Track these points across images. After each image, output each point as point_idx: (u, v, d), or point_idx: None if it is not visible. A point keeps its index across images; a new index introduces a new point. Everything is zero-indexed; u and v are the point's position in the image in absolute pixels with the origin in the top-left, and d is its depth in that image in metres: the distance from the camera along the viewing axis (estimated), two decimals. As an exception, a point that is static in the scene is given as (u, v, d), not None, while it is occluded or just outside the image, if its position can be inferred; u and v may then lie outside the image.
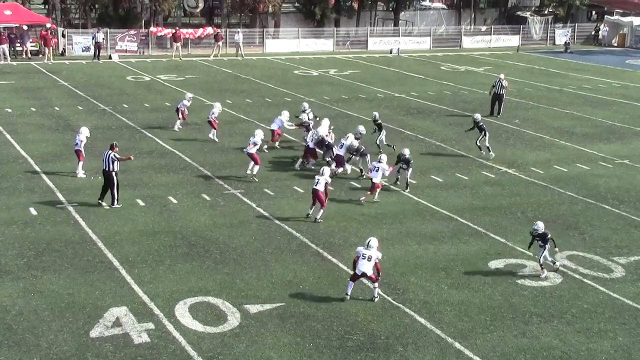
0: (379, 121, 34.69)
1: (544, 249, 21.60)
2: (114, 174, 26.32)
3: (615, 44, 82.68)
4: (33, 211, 25.76)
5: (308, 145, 31.88)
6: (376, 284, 19.84)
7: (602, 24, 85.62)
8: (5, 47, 60.49)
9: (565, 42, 78.37)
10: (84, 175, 29.69)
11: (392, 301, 19.80)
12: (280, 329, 18.24)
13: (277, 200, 27.43)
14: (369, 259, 19.66)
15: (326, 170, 26.21)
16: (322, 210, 25.65)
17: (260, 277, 21.03)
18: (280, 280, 20.82)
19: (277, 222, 25.31)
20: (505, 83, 43.15)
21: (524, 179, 30.95)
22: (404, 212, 26.71)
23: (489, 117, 42.30)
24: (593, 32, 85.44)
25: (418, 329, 18.45)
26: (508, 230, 25.14)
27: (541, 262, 21.62)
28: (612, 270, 22.17)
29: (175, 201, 27.10)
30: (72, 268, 21.28)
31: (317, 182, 25.57)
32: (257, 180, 29.55)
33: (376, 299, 19.83)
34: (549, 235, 21.64)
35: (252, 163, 29.73)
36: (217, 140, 35.50)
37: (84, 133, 30.15)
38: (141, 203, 26.83)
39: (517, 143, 36.91)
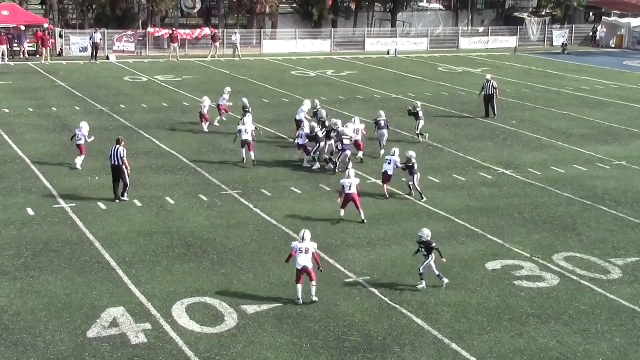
0: (248, 108, 35.95)
1: (427, 259, 20.45)
2: (124, 167, 26.96)
3: (613, 45, 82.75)
4: (30, 211, 25.76)
5: (298, 142, 32.23)
6: (314, 282, 19.67)
7: (600, 25, 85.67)
8: (4, 47, 60.51)
9: (563, 43, 78.44)
10: (80, 168, 30.46)
11: (389, 302, 19.80)
12: (277, 329, 18.24)
13: (274, 201, 27.44)
14: (307, 251, 19.63)
15: (351, 171, 26.09)
16: (361, 211, 25.65)
17: (257, 277, 21.03)
18: (277, 281, 20.81)
19: (274, 222, 25.30)
20: (494, 83, 43.03)
21: (521, 179, 30.96)
22: (400, 212, 26.72)
23: (484, 118, 42.36)
24: (590, 33, 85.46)
25: (415, 329, 18.45)
26: (505, 231, 25.15)
27: (421, 271, 20.52)
28: (609, 272, 22.16)
29: (172, 201, 27.10)
30: (69, 268, 21.28)
31: (350, 186, 25.38)
32: (255, 163, 31.26)
33: (315, 299, 19.63)
34: (434, 244, 20.53)
35: (247, 149, 31.78)
36: (207, 130, 37.25)
37: (85, 127, 31.14)
38: (138, 203, 26.83)
39: (514, 144, 36.93)
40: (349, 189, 25.42)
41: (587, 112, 45.37)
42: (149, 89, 49.67)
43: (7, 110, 41.69)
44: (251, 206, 26.85)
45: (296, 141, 32.65)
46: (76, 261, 21.78)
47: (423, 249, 20.49)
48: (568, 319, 19.16)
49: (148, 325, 18.19)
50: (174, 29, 68.31)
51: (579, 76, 60.71)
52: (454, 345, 17.73)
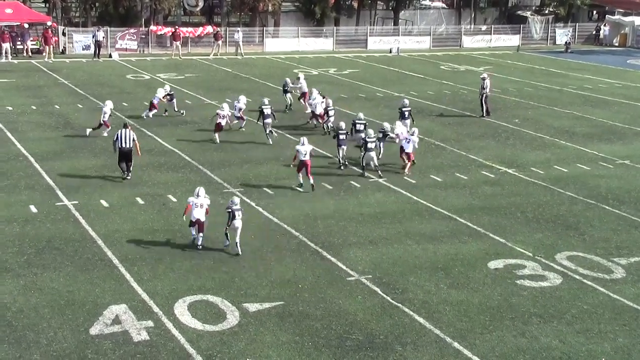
0: (171, 93, 40.43)
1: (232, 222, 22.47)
2: (134, 149, 29.22)
3: (617, 44, 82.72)
4: (33, 209, 25.77)
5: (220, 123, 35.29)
6: (202, 234, 22.81)
7: (603, 24, 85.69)
8: (8, 45, 60.53)
9: (566, 42, 78.34)
10: (106, 135, 34.67)
11: (391, 301, 19.79)
12: (279, 327, 18.24)
13: (276, 199, 27.43)
14: (201, 206, 22.76)
15: (306, 140, 28.88)
16: (311, 177, 28.56)
17: (259, 275, 21.03)
18: (279, 279, 20.82)
19: (276, 221, 25.30)
20: (484, 83, 42.79)
21: (523, 179, 30.94)
22: (403, 211, 26.71)
23: (486, 117, 42.28)
24: (594, 32, 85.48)
25: (417, 328, 18.44)
26: (507, 230, 25.13)
27: (226, 231, 22.66)
28: (612, 271, 22.13)
29: (174, 199, 27.10)
30: (72, 266, 21.30)
31: (305, 154, 28.34)
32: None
33: (200, 248, 22.67)
34: (230, 210, 22.35)
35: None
36: (147, 117, 39.72)
37: (109, 105, 35.60)
38: (141, 201, 26.84)
39: (517, 143, 36.90)
40: (304, 156, 28.33)
41: (590, 111, 45.35)
42: (151, 87, 49.50)
43: (10, 108, 41.71)
44: (253, 204, 26.83)
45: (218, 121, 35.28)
46: (79, 259, 21.80)
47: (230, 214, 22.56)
48: (571, 319, 19.14)
49: (150, 323, 18.20)
50: (176, 27, 68.31)
51: (583, 75, 60.69)
52: (456, 345, 17.72)
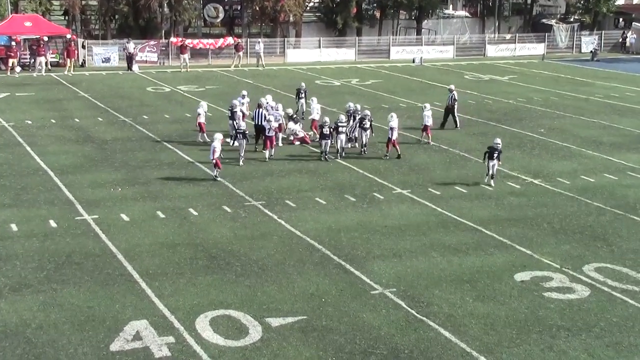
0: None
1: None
2: (265, 124, 33.98)
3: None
4: (53, 223, 25.63)
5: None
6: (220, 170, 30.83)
7: (630, 31, 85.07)
8: (43, 59, 60.58)
9: (592, 50, 77.76)
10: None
11: (415, 314, 19.49)
12: (302, 342, 17.97)
13: (299, 212, 27.19)
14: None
15: (271, 117, 34.63)
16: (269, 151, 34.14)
17: (281, 289, 20.78)
18: (302, 293, 20.56)
19: (298, 234, 25.06)
20: (455, 95, 41.80)
21: (550, 189, 30.56)
22: (427, 223, 26.40)
23: (440, 130, 41.14)
24: (620, 40, 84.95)
25: (442, 342, 18.12)
26: (534, 241, 24.76)
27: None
28: (641, 283, 21.77)
29: (195, 213, 26.90)
30: (92, 281, 21.11)
31: (269, 130, 33.96)
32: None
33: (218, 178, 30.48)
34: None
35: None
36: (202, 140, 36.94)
37: (240, 102, 38.44)
38: (161, 215, 26.65)
39: (543, 153, 36.51)
40: (269, 133, 33.94)
41: (617, 120, 44.89)
42: (171, 100, 49.65)
43: (30, 122, 41.74)
44: (275, 217, 26.62)
45: None
46: (99, 274, 21.61)
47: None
48: (600, 332, 18.77)
49: (171, 339, 17.98)
50: (182, 39, 67.74)
51: (609, 83, 60.24)
52: (482, 359, 17.40)
